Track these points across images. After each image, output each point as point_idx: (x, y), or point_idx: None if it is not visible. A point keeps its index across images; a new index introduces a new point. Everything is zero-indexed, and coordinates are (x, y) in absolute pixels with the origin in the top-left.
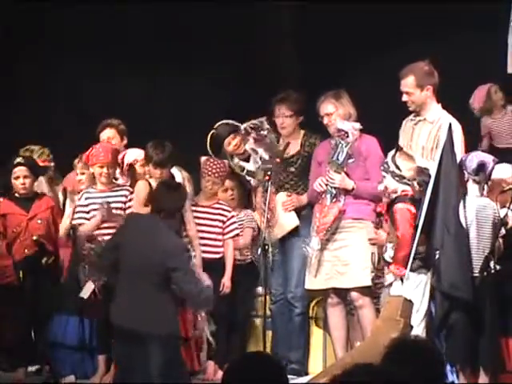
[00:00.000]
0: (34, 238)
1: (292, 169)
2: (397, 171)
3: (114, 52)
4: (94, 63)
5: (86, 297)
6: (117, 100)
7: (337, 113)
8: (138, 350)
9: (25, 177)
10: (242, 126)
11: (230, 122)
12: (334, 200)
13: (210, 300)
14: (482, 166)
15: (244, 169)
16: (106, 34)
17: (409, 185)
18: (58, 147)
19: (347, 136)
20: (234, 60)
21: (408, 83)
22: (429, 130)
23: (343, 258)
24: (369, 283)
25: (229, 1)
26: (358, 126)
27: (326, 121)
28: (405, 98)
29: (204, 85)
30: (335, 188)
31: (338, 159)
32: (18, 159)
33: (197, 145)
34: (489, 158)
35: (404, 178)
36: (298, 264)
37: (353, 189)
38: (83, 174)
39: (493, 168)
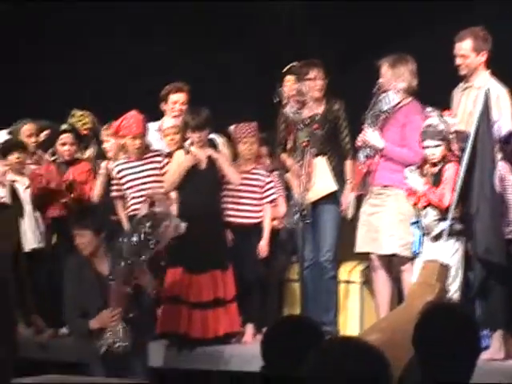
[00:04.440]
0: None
1: (320, 133)
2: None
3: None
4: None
5: None
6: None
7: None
8: None
9: (71, 144)
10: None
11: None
12: (367, 158)
13: None
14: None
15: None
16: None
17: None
18: None
19: (387, 93)
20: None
21: (465, 46)
22: (475, 96)
23: (374, 224)
24: (395, 251)
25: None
26: (402, 86)
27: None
28: (459, 61)
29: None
30: (368, 146)
31: (371, 112)
32: (65, 126)
33: None
34: None
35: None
36: (331, 227)
37: (383, 148)
38: (108, 141)
39: None
